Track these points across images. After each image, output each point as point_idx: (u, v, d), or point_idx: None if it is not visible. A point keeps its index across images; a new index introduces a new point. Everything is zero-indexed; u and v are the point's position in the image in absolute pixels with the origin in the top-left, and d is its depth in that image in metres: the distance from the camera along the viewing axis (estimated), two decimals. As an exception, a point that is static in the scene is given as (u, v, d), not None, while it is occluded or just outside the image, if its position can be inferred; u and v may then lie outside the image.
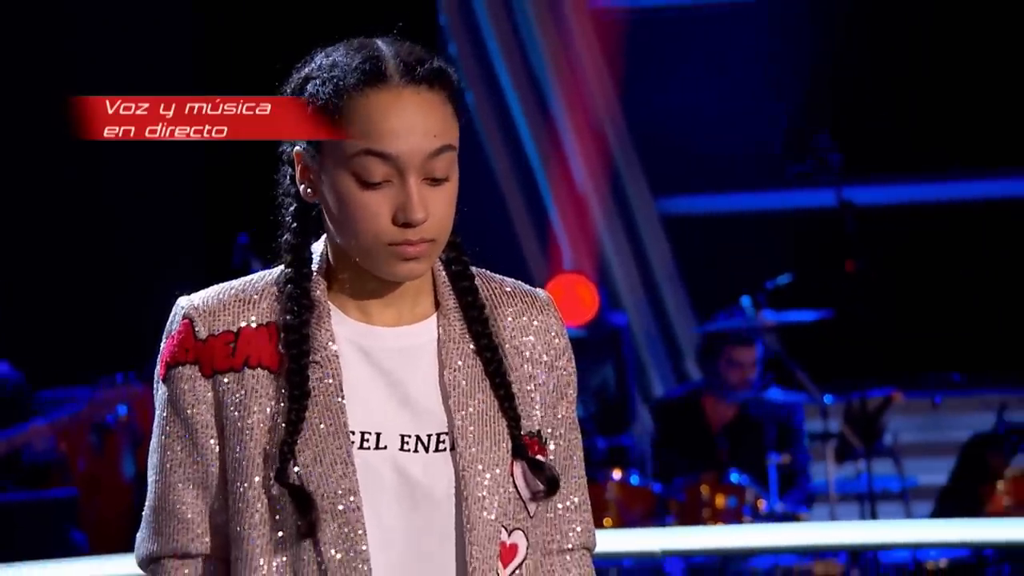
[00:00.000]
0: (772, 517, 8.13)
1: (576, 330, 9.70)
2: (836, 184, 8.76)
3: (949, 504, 8.39)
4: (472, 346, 2.84)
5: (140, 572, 2.93)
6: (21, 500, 8.09)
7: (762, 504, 8.13)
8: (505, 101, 11.72)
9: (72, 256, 10.92)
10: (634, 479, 8.29)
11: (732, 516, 8.13)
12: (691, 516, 8.11)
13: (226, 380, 2.78)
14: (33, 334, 10.30)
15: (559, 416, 2.89)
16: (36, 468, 8.37)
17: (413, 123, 2.72)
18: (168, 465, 2.82)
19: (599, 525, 7.96)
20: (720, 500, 8.14)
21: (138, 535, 2.87)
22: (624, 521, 8.08)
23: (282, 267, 2.83)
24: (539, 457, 2.82)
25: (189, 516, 2.81)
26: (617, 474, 8.25)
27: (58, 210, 10.92)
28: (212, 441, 2.80)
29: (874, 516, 8.49)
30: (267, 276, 2.85)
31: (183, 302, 2.83)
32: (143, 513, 2.87)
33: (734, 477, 8.25)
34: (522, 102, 11.69)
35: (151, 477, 2.86)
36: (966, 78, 11.53)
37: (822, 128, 9.50)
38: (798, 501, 8.46)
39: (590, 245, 11.58)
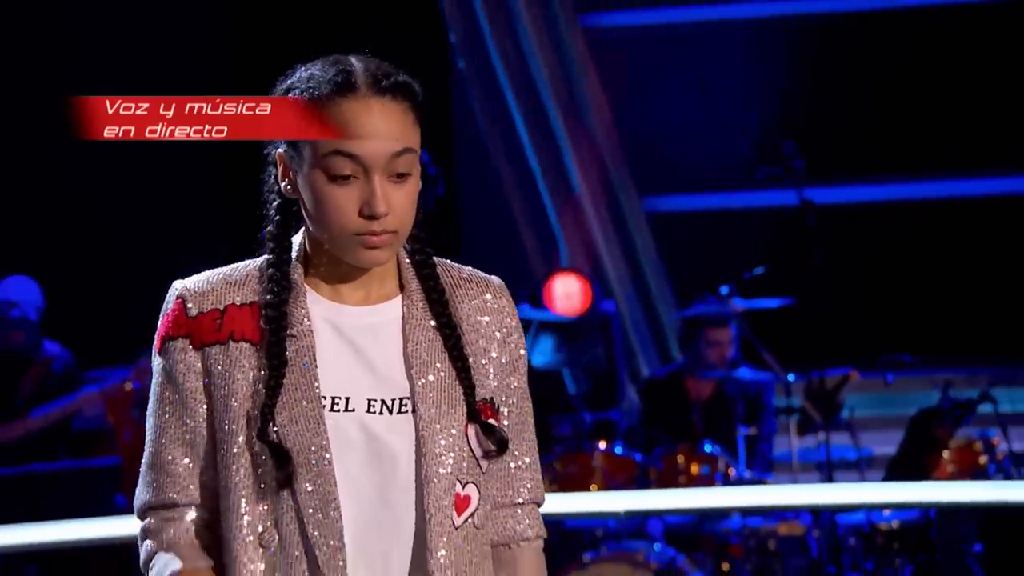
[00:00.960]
0: (741, 483, 8.08)
1: (568, 316, 9.67)
2: (799, 186, 8.73)
3: (899, 472, 8.39)
4: (432, 323, 2.90)
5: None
6: (72, 467, 8.08)
7: (732, 471, 8.09)
8: (509, 113, 11.68)
9: (117, 238, 10.91)
10: (618, 449, 8.24)
11: (705, 482, 8.09)
12: (669, 482, 8.08)
13: (214, 352, 2.83)
14: (79, 316, 10.32)
15: (512, 387, 2.95)
16: (84, 437, 8.38)
17: (377, 128, 2.78)
18: (161, 427, 2.86)
19: (587, 490, 7.98)
20: (695, 468, 8.10)
21: (136, 490, 2.90)
22: (608, 486, 8.08)
23: (265, 255, 2.88)
24: (491, 421, 2.89)
25: (179, 472, 2.85)
26: (603, 445, 8.21)
27: (99, 197, 10.90)
28: (202, 407, 2.84)
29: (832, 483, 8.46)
30: (251, 263, 2.91)
31: (177, 284, 2.89)
32: (140, 470, 2.91)
33: (707, 447, 8.20)
34: (523, 113, 11.65)
35: (148, 437, 2.89)
36: (913, 94, 11.49)
37: (788, 136, 9.54)
38: (764, 469, 8.45)
39: (584, 241, 11.55)
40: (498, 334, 2.97)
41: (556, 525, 8.18)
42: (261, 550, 2.83)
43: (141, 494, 2.89)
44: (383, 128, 2.80)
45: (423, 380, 2.86)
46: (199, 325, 2.85)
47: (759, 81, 11.58)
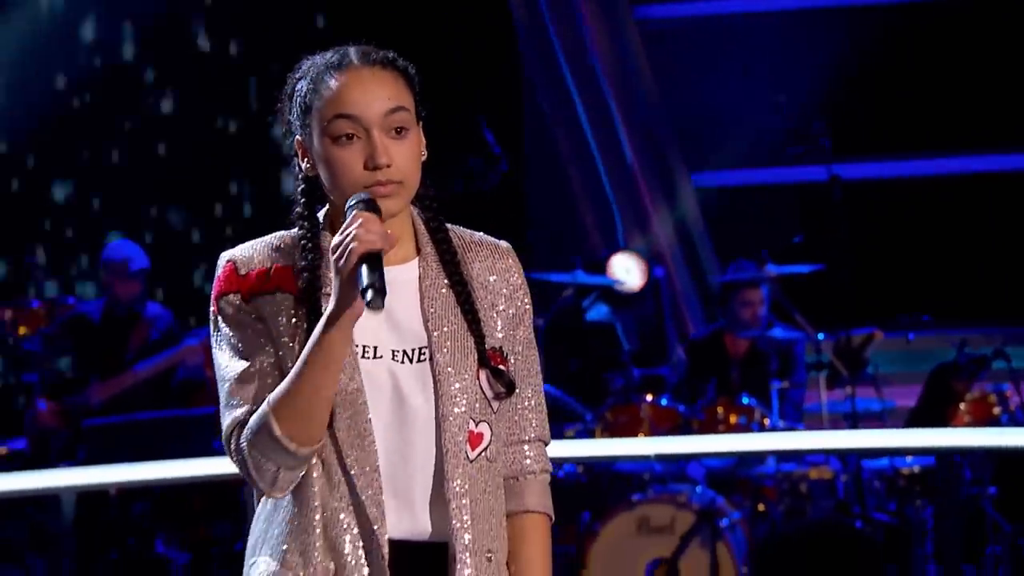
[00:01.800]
0: (774, 431, 8.08)
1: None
2: (827, 162, 8.74)
3: (919, 422, 8.33)
4: (446, 282, 2.95)
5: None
6: (173, 415, 8.15)
7: (766, 421, 8.08)
8: (571, 98, 11.63)
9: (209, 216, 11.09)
10: (664, 401, 8.22)
11: (742, 431, 8.09)
12: (709, 431, 8.09)
13: (262, 300, 2.88)
14: (178, 281, 10.44)
15: (518, 337, 3.00)
16: (186, 387, 8.45)
17: (369, 89, 2.87)
18: (227, 366, 2.90)
19: (634, 437, 7.94)
20: (733, 418, 8.09)
21: (222, 423, 2.91)
22: (654, 434, 8.10)
23: (296, 228, 2.94)
24: (500, 366, 2.94)
25: (252, 394, 2.86)
26: (649, 397, 8.19)
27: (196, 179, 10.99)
28: (263, 346, 2.89)
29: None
30: (286, 234, 2.96)
31: (225, 253, 2.95)
32: (221, 411, 2.93)
33: (744, 399, 8.18)
34: (583, 98, 11.61)
35: (221, 377, 2.92)
36: (932, 81, 11.42)
37: (818, 117, 9.55)
38: (795, 419, 8.43)
39: (638, 213, 11.50)
40: (505, 290, 3.00)
41: (607, 469, 8.28)
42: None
43: (226, 419, 2.90)
44: (374, 89, 2.88)
45: (438, 332, 2.91)
46: (248, 281, 2.89)
47: (793, 67, 11.45)
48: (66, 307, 8.91)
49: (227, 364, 2.90)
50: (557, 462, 8.04)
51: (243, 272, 2.91)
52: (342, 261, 2.77)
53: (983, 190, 11.41)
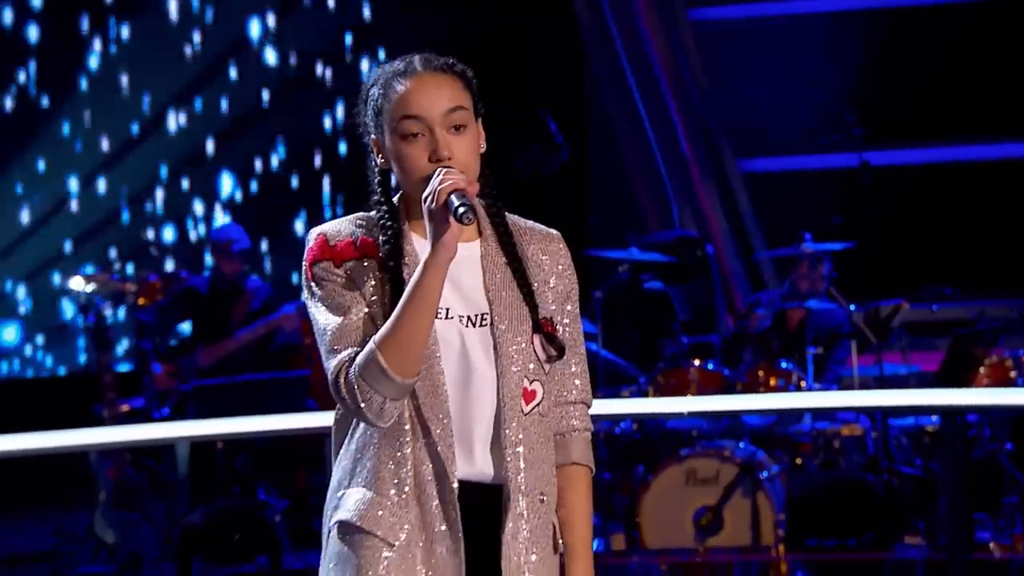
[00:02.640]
0: (809, 392, 8.05)
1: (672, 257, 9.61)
2: (858, 149, 8.75)
3: (942, 385, 8.20)
4: (504, 260, 3.01)
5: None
6: (272, 377, 8.18)
7: (803, 384, 8.06)
8: (631, 93, 11.54)
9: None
10: (710, 366, 8.23)
11: (780, 392, 8.07)
12: (750, 392, 8.08)
13: (351, 265, 2.94)
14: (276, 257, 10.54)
15: (566, 310, 3.06)
16: (284, 352, 8.48)
17: (431, 92, 2.94)
18: (327, 321, 2.93)
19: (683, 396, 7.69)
20: (772, 380, 8.10)
21: (328, 372, 2.94)
22: (701, 395, 8.06)
23: (374, 212, 3.01)
24: (551, 333, 3.01)
25: (350, 341, 2.91)
26: (697, 362, 8.21)
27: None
28: (356, 303, 2.94)
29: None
30: (367, 214, 3.03)
31: (315, 229, 3.00)
32: (324, 364, 2.95)
33: (783, 364, 8.18)
34: (642, 93, 11.52)
35: (320, 338, 2.95)
36: (953, 77, 11.28)
37: (849, 109, 9.52)
38: (829, 382, 8.39)
39: (691, 196, 11.46)
40: (556, 269, 3.05)
41: (658, 426, 8.32)
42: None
43: (332, 363, 2.93)
44: (435, 92, 2.94)
45: (498, 301, 2.97)
46: (337, 250, 2.95)
47: (828, 63, 11.36)
48: (179, 280, 8.95)
49: (327, 320, 2.92)
50: (614, 419, 8.13)
51: (333, 243, 2.95)
52: (433, 202, 2.85)
53: (1000, 174, 11.23)
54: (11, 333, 10.91)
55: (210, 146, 11.30)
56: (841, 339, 8.41)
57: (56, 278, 10.96)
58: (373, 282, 2.95)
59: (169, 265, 11.05)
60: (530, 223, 3.09)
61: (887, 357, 8.30)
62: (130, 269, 10.96)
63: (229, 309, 8.59)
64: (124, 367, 10.35)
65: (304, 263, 2.97)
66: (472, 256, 2.99)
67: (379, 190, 3.00)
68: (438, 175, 2.87)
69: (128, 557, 8.21)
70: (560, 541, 3.03)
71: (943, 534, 7.87)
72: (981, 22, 11.31)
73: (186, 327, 8.86)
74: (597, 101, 11.65)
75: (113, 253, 11.00)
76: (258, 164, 11.38)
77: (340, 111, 11.33)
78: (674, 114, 11.55)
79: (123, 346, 10.49)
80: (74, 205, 11.09)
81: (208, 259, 10.77)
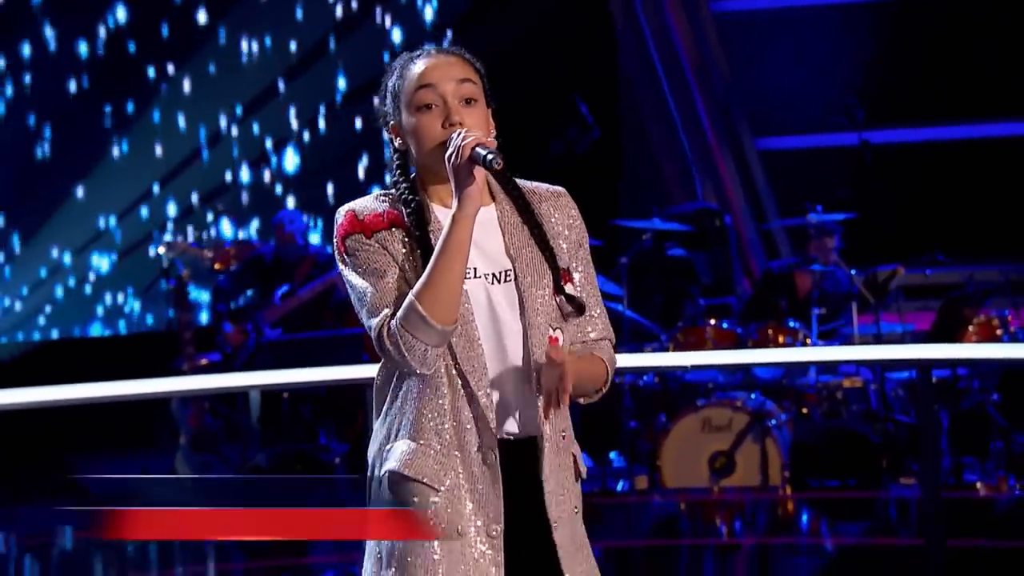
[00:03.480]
0: (814, 347, 8.06)
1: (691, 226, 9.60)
2: (860, 130, 8.72)
3: (935, 342, 8.25)
4: (520, 219, 2.96)
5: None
6: (329, 335, 8.21)
7: (808, 341, 8.05)
8: (658, 78, 11.53)
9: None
10: (725, 324, 8.23)
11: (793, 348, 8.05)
12: (761, 348, 8.03)
13: (381, 235, 2.89)
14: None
15: (580, 256, 2.99)
16: (339, 309, 8.38)
17: (443, 66, 2.91)
18: (365, 285, 2.88)
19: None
20: (781, 338, 8.08)
21: (371, 331, 2.88)
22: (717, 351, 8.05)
23: (394, 188, 2.96)
24: (570, 291, 2.94)
25: (389, 299, 2.86)
26: (712, 321, 8.22)
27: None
28: (390, 268, 2.89)
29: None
30: (386, 192, 2.98)
31: (343, 207, 2.96)
32: (366, 327, 2.91)
33: (791, 323, 8.16)
34: (668, 78, 11.52)
35: (360, 301, 2.90)
36: (941, 65, 11.23)
37: (852, 94, 9.51)
38: (832, 340, 8.35)
39: (711, 171, 11.43)
40: (567, 221, 2.99)
41: (678, 379, 8.31)
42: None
43: (374, 320, 2.88)
44: (448, 66, 2.91)
45: (519, 258, 2.92)
46: (367, 223, 2.90)
47: (835, 52, 11.33)
48: (250, 248, 8.97)
49: (364, 284, 2.87)
50: (638, 372, 8.11)
51: (362, 217, 2.91)
52: (458, 158, 2.81)
53: (987, 152, 11.21)
54: (105, 263, 10.81)
55: (281, 85, 11.08)
56: (843, 301, 8.36)
57: (144, 212, 10.81)
58: (403, 248, 2.89)
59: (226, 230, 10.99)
60: (536, 184, 3.03)
61: (885, 317, 8.28)
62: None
63: (290, 273, 8.59)
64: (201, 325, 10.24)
65: (336, 238, 2.93)
66: (490, 219, 2.94)
67: (398, 171, 2.96)
68: (458, 134, 2.82)
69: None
70: (582, 468, 2.99)
71: (930, 473, 7.93)
72: (969, 16, 11.24)
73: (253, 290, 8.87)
74: (628, 87, 11.60)
75: (195, 197, 10.87)
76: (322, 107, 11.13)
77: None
78: (697, 97, 11.53)
79: (201, 307, 10.53)
80: (158, 149, 10.93)
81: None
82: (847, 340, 8.26)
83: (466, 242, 2.82)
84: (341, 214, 2.94)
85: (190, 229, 10.79)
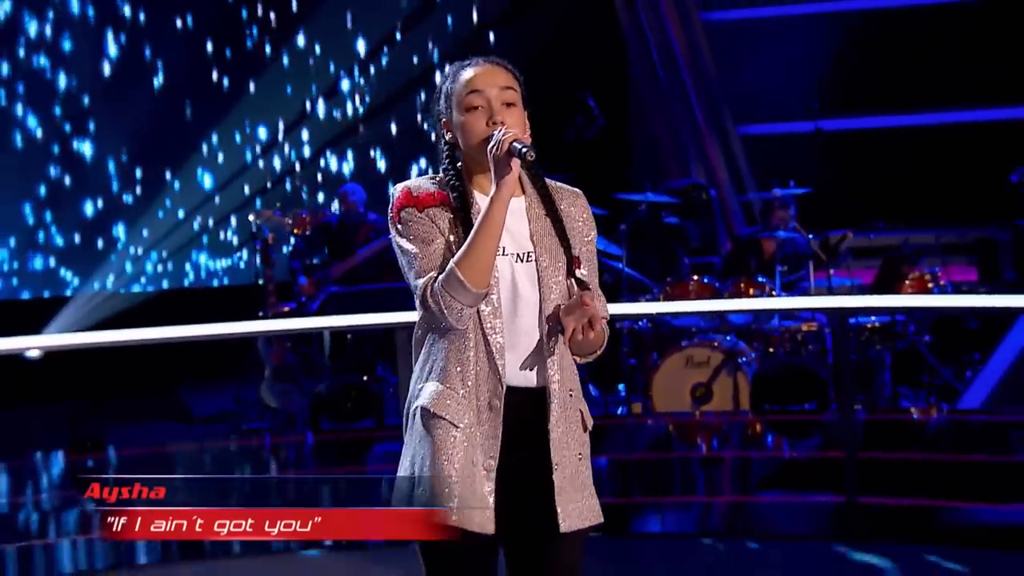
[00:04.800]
0: (778, 298, 8.02)
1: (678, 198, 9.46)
2: (816, 119, 8.72)
3: (878, 293, 8.22)
4: (543, 212, 2.89)
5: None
6: (386, 287, 8.17)
7: (773, 293, 8.03)
8: (659, 76, 11.45)
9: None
10: (705, 279, 8.16)
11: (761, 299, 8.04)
12: (735, 299, 8.02)
13: (431, 210, 2.83)
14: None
15: (587, 250, 2.92)
16: (392, 267, 8.25)
17: (489, 74, 2.85)
18: (415, 250, 2.82)
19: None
20: (751, 291, 8.04)
21: (417, 291, 2.81)
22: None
23: (442, 174, 2.89)
24: (580, 275, 2.88)
25: (435, 264, 2.80)
26: (695, 277, 8.17)
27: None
28: (437, 237, 2.83)
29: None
30: (436, 176, 2.91)
31: (399, 185, 2.88)
32: (412, 286, 2.83)
33: (759, 278, 8.11)
34: (667, 76, 11.43)
35: (409, 265, 2.83)
36: (891, 63, 11.14)
37: (816, 88, 9.53)
38: (794, 293, 8.27)
39: (702, 153, 11.34)
40: (582, 217, 2.93)
41: (665, 323, 8.20)
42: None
43: (421, 280, 2.81)
44: (493, 74, 2.85)
45: (540, 244, 2.86)
46: (419, 199, 2.84)
47: (801, 55, 11.22)
48: (322, 215, 8.92)
49: (414, 250, 2.81)
50: (635, 318, 8.04)
51: (415, 194, 2.84)
52: (496, 149, 2.75)
53: (921, 137, 11.03)
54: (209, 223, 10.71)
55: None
56: (802, 260, 8.32)
57: (246, 189, 10.73)
58: (447, 224, 2.82)
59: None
60: (559, 183, 2.95)
61: (836, 273, 8.28)
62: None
63: (353, 237, 8.62)
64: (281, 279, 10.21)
65: (391, 210, 2.86)
66: (520, 209, 2.88)
67: (447, 161, 2.89)
68: (500, 131, 2.76)
69: (284, 417, 8.33)
70: (589, 421, 2.90)
71: (872, 400, 7.94)
72: (908, 26, 11.15)
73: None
74: (636, 84, 11.52)
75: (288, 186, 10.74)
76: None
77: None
78: (691, 92, 11.43)
79: (281, 263, 10.58)
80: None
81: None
82: (804, 292, 8.23)
83: (500, 222, 2.75)
84: (398, 190, 2.87)
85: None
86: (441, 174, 2.88)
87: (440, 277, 2.75)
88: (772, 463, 7.17)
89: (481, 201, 2.81)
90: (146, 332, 5.67)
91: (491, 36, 10.95)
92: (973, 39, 11.02)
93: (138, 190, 10.52)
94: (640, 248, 8.88)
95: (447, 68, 2.91)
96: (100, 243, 10.47)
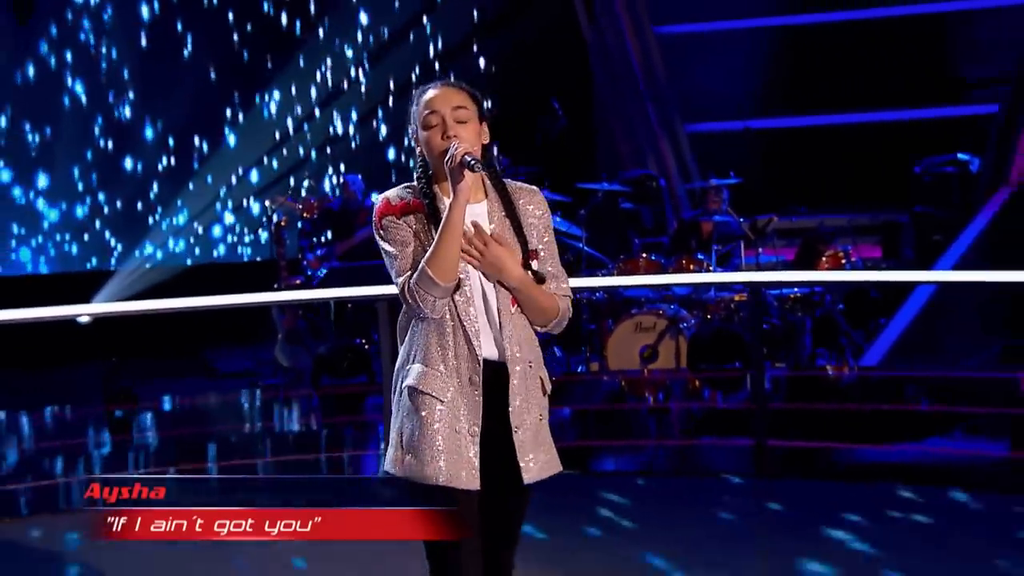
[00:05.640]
0: (714, 273, 8.05)
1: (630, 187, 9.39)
2: (745, 119, 8.89)
3: (798, 268, 8.32)
4: (503, 213, 2.86)
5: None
6: (380, 264, 7.94)
7: (710, 268, 8.03)
8: (620, 80, 11.42)
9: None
10: (653, 257, 8.14)
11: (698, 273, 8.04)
12: (677, 274, 8.02)
13: (407, 217, 2.81)
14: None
15: (545, 240, 2.89)
16: None
17: (444, 95, 2.82)
18: (396, 252, 2.81)
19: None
20: (691, 266, 8.07)
21: (399, 289, 2.77)
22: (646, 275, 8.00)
23: (414, 182, 2.86)
24: (534, 266, 2.85)
25: (410, 264, 2.79)
26: (644, 255, 8.15)
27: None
28: (408, 240, 2.81)
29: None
30: (410, 184, 2.86)
31: (381, 194, 2.86)
32: (395, 282, 2.78)
33: (700, 256, 8.12)
34: (626, 80, 11.42)
35: (391, 265, 2.80)
36: (810, 72, 11.17)
37: (747, 92, 9.64)
38: (728, 269, 8.38)
39: (655, 148, 11.33)
40: (537, 213, 2.89)
41: (618, 294, 8.07)
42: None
43: (400, 279, 2.79)
44: (446, 96, 2.81)
45: (501, 241, 2.83)
46: (396, 207, 2.81)
47: (739, 63, 11.25)
48: (327, 201, 8.88)
49: (394, 251, 2.79)
50: (593, 290, 7.94)
51: (393, 203, 2.82)
52: (452, 162, 2.72)
53: (836, 134, 11.05)
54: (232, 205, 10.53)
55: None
56: (734, 240, 8.33)
57: (275, 164, 10.54)
58: (421, 227, 2.79)
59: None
60: (518, 183, 2.91)
61: (764, 251, 8.25)
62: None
63: (353, 220, 8.59)
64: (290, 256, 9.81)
65: (375, 218, 2.83)
66: (483, 211, 2.86)
67: (420, 168, 2.86)
68: (454, 145, 2.73)
69: (294, 374, 8.36)
70: (548, 386, 2.86)
71: (794, 360, 7.96)
72: (833, 40, 11.11)
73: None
74: (597, 87, 11.50)
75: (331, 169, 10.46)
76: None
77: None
78: (645, 96, 11.42)
79: (292, 242, 10.31)
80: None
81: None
82: (736, 268, 8.24)
83: (460, 224, 2.71)
84: (379, 200, 2.84)
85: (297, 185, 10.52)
86: (415, 183, 2.85)
87: (414, 276, 2.73)
88: (707, 412, 7.21)
89: (446, 206, 2.78)
90: (177, 302, 5.75)
91: (474, 46, 10.91)
92: (882, 51, 11.03)
93: (173, 161, 10.37)
94: (598, 229, 8.82)
95: (414, 92, 2.88)
96: (142, 212, 10.26)
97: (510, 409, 2.77)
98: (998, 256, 8.38)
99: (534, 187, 2.90)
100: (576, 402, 7.50)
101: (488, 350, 2.78)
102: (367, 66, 10.56)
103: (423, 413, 2.77)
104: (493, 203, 2.84)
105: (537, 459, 2.80)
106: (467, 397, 2.77)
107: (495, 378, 2.79)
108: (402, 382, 2.81)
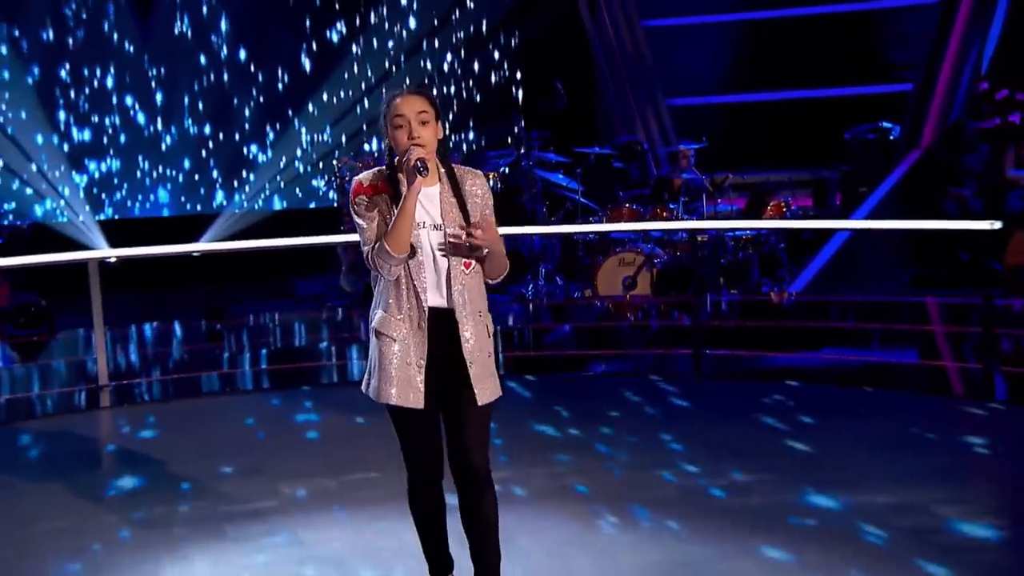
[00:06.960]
0: (681, 220, 8.06)
1: (616, 151, 9.31)
2: (706, 95, 8.82)
3: (748, 216, 8.23)
4: (451, 193, 2.83)
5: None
6: None
7: (678, 216, 8.06)
8: (617, 67, 11.28)
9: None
10: (635, 207, 8.11)
11: (668, 219, 8.08)
12: (654, 220, 8.04)
13: (376, 197, 2.79)
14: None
15: (486, 213, 2.85)
16: None
17: (408, 101, 2.79)
18: (365, 227, 2.80)
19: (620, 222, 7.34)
20: (664, 214, 8.09)
21: (366, 258, 2.78)
22: (629, 221, 8.04)
23: (383, 167, 2.84)
24: (476, 234, 2.78)
25: (375, 236, 2.79)
26: (628, 205, 8.12)
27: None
28: (374, 217, 2.79)
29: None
30: (381, 168, 2.84)
31: (356, 177, 2.83)
32: (362, 250, 2.79)
33: (672, 205, 8.16)
34: (622, 65, 11.29)
35: (360, 235, 2.80)
36: (777, 56, 10.95)
37: (715, 74, 9.50)
38: (694, 216, 8.33)
39: (642, 117, 11.26)
40: (479, 192, 2.86)
41: (606, 236, 8.05)
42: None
43: (366, 248, 2.78)
44: (410, 102, 2.77)
45: (448, 217, 2.81)
46: (369, 188, 2.79)
47: (709, 52, 11.16)
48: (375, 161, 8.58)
49: (363, 224, 2.76)
50: (586, 233, 8.02)
51: (366, 185, 2.78)
52: (407, 163, 2.73)
53: (784, 107, 10.82)
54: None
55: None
56: (698, 193, 8.29)
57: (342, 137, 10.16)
58: (386, 206, 2.76)
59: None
60: (466, 168, 2.87)
61: (722, 201, 8.26)
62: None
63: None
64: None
65: (351, 194, 2.79)
66: (435, 193, 2.82)
67: (387, 157, 2.84)
68: (409, 151, 2.71)
69: (354, 299, 8.29)
70: (490, 329, 2.83)
71: (743, 289, 8.04)
72: (785, 31, 10.94)
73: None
74: (597, 69, 11.40)
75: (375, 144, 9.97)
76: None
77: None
78: (635, 75, 11.30)
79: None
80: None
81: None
82: (700, 216, 8.24)
83: (412, 210, 2.68)
84: (354, 181, 2.80)
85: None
86: (385, 168, 2.81)
87: (375, 247, 2.71)
88: (673, 329, 7.22)
89: (406, 190, 2.73)
90: (262, 242, 5.98)
91: (501, 37, 10.74)
92: (825, 40, 10.87)
93: (270, 137, 10.17)
94: (591, 184, 8.81)
95: (384, 96, 2.81)
96: (243, 162, 10.11)
97: (465, 347, 2.76)
98: (908, 204, 8.49)
99: (478, 171, 2.86)
100: (574, 320, 7.52)
101: (435, 300, 2.76)
102: (425, 45, 10.36)
103: (382, 348, 2.78)
104: (444, 185, 2.80)
105: (487, 386, 2.80)
106: (416, 337, 2.77)
107: (444, 323, 2.77)
108: (370, 324, 2.84)
